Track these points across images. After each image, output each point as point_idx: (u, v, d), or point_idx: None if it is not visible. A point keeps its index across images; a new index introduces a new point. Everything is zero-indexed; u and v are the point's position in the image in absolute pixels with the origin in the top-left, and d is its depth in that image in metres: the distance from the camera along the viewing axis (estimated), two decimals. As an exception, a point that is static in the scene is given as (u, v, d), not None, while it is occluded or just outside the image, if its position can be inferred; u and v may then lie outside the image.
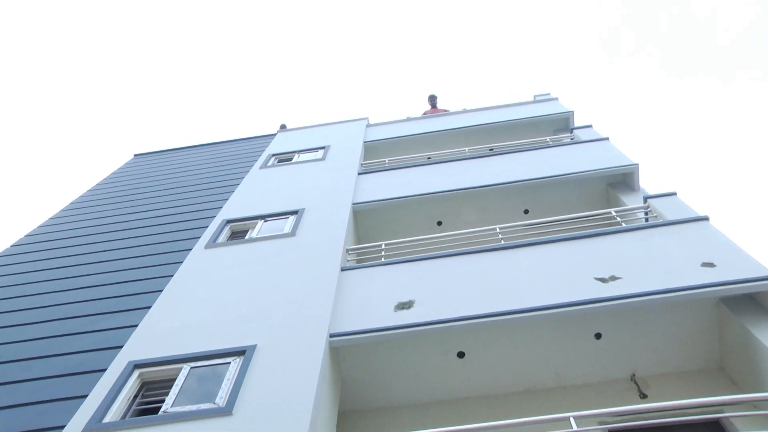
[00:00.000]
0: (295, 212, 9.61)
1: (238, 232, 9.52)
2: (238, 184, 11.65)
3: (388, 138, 13.75)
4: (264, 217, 9.67)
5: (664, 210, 8.08)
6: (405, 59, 40.88)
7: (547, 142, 12.19)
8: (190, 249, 8.96)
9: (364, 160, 12.85)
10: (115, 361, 6.39)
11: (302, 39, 40.96)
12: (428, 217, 10.10)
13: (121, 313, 7.42)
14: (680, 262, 6.73)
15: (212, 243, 8.94)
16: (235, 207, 10.36)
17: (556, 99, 14.57)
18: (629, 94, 38.31)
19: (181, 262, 8.54)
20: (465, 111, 15.09)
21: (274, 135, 15.51)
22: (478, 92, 38.44)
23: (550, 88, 34.76)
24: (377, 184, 10.80)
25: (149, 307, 7.44)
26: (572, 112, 13.30)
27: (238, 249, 8.65)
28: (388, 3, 40.10)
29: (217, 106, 42.05)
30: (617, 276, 6.64)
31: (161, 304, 7.46)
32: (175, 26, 39.73)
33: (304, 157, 13.01)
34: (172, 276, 8.18)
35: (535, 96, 15.12)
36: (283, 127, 16.35)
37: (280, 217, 9.58)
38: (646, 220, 8.31)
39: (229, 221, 9.72)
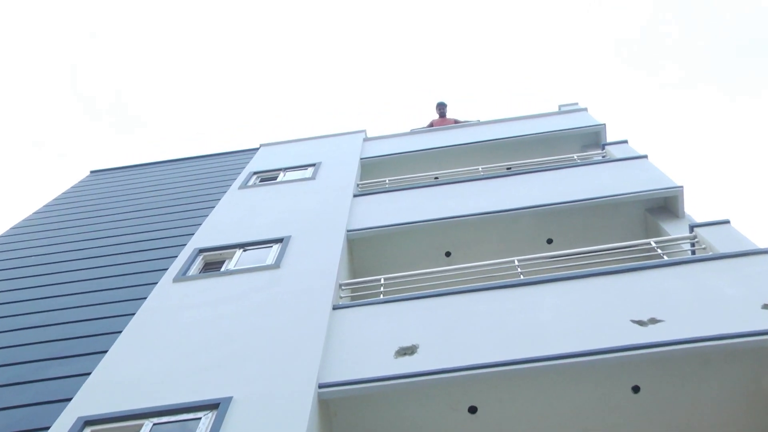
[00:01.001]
0: (279, 240, 9.62)
1: (212, 264, 9.54)
2: (213, 207, 11.69)
3: (389, 154, 13.80)
4: (243, 246, 9.69)
5: (715, 241, 8.05)
6: (408, 61, 41.55)
7: (575, 160, 12.24)
8: (156, 282, 8.92)
9: (361, 180, 12.88)
10: (61, 416, 6.25)
11: (288, 37, 41.79)
12: (435, 248, 10.11)
13: (71, 359, 7.29)
14: (736, 303, 6.66)
15: (182, 276, 8.95)
16: (209, 234, 10.38)
17: (585, 110, 14.68)
18: (667, 107, 38.76)
19: (145, 298, 8.50)
20: (479, 123, 15.18)
21: (255, 150, 15.63)
22: (493, 101, 38.95)
23: (576, 97, 35.30)
24: (376, 208, 10.80)
25: (105, 352, 7.33)
26: (604, 125, 13.40)
27: (212, 283, 8.66)
28: (390, 6, 41.00)
29: (191, 118, 42.63)
30: (658, 318, 6.57)
31: (119, 348, 7.37)
32: (160, 30, 40.65)
33: (290, 175, 13.09)
34: (133, 314, 8.11)
35: (560, 106, 15.24)
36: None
37: (262, 246, 9.59)
38: (693, 252, 8.32)
39: (201, 250, 9.75)
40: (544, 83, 39.35)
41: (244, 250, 9.55)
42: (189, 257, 9.49)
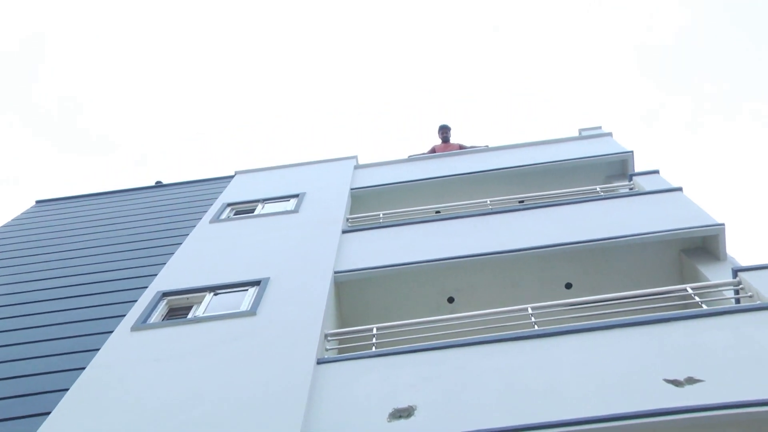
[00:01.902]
0: (256, 282, 9.60)
1: (178, 309, 9.49)
2: (180, 244, 11.69)
3: (384, 184, 13.77)
4: (214, 289, 9.67)
5: (763, 288, 7.98)
6: (406, 61, 42.32)
7: (598, 192, 12.23)
8: (111, 331, 8.84)
9: (351, 214, 12.86)
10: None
11: (265, 41, 42.97)
12: (436, 293, 10.10)
13: (7, 422, 7.14)
14: (788, 361, 6.72)
15: (142, 323, 8.89)
16: (174, 275, 10.37)
17: (610, 135, 14.67)
18: (701, 130, 39.16)
19: (97, 350, 8.40)
20: (487, 149, 15.16)
21: (229, 178, 15.66)
22: (492, 101, 40.20)
23: (598, 121, 35.37)
24: (368, 246, 10.81)
25: (48, 414, 7.17)
26: (631, 152, 13.35)
27: (177, 332, 8.60)
28: (390, 6, 41.78)
29: (155, 138, 43.31)
30: (697, 378, 6.48)
31: (65, 410, 7.21)
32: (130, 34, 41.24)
33: (270, 208, 13.10)
34: (83, 369, 7.98)
35: (580, 130, 15.26)
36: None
37: (236, 289, 9.58)
38: (738, 301, 8.27)
39: (166, 294, 9.72)
40: (545, 84, 40.71)
41: (215, 294, 9.53)
42: (151, 302, 9.41)
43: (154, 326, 8.82)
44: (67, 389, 7.59)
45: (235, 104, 43.06)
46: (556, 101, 40.23)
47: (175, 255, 11.22)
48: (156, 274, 10.50)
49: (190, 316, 9.14)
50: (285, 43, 41.14)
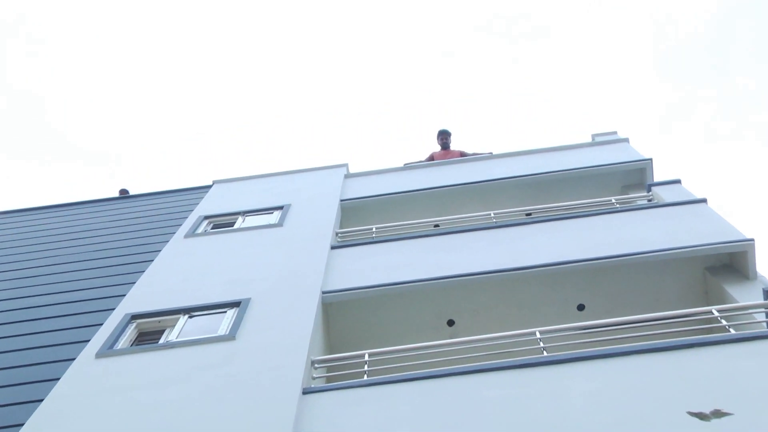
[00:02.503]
0: (236, 304, 9.54)
1: (148, 333, 9.44)
2: (151, 261, 11.62)
3: (377, 195, 13.76)
4: (189, 311, 9.61)
5: (799, 311, 8.13)
6: (406, 78, 42.64)
7: (613, 204, 12.21)
8: (73, 358, 8.75)
9: (341, 228, 12.86)
10: None
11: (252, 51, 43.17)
12: (435, 315, 10.09)
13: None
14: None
15: (108, 349, 8.82)
16: (145, 295, 10.30)
17: (626, 140, 14.65)
18: (723, 142, 39.13)
19: (58, 379, 8.30)
20: (491, 156, 15.14)
21: (207, 188, 15.60)
22: (492, 101, 40.45)
23: (611, 125, 36.24)
24: (359, 263, 10.79)
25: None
26: (650, 160, 13.38)
27: (148, 359, 8.55)
28: (388, 5, 42.09)
29: (125, 141, 43.37)
30: (725, 411, 5.85)
31: (23, 445, 7.28)
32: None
33: (251, 221, 13.05)
34: (41, 401, 7.88)
35: (594, 136, 15.22)
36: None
37: (213, 311, 9.53)
38: (770, 324, 8.45)
39: (135, 316, 9.64)
40: (551, 84, 40.86)
41: (190, 317, 9.48)
42: (118, 325, 9.33)
43: (121, 352, 8.72)
44: (22, 424, 7.46)
45: (224, 106, 43.80)
46: (564, 103, 40.58)
47: (145, 273, 11.16)
48: (124, 295, 10.41)
49: (161, 341, 9.05)
50: (279, 42, 41.87)
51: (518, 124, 40.17)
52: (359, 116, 43.66)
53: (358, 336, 9.94)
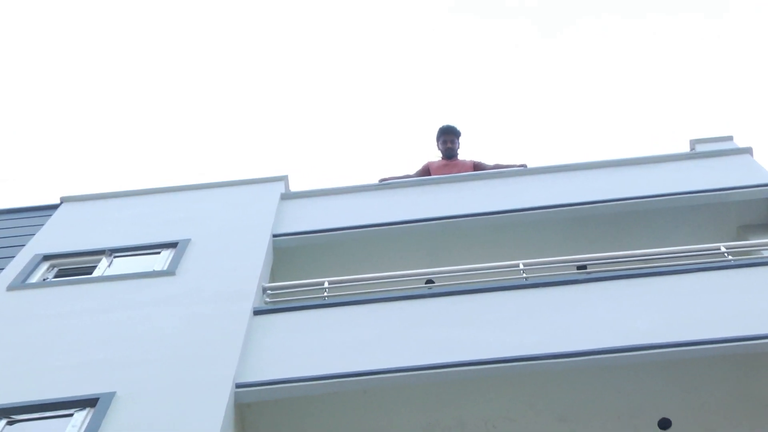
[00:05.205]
0: (90, 402, 8.83)
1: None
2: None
3: (333, 230, 12.73)
4: (8, 414, 8.91)
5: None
6: (401, 57, 42.00)
7: (724, 255, 11.15)
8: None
9: (271, 281, 11.76)
10: None
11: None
12: (421, 427, 9.46)
13: None
14: None
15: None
16: None
17: (748, 151, 13.67)
18: None
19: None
20: (523, 171, 14.10)
21: (52, 208, 14.50)
22: (492, 100, 40.02)
23: (724, 127, 34.75)
24: (302, 340, 9.99)
25: None
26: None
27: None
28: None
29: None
30: None
31: None
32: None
33: (123, 265, 12.04)
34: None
35: (693, 143, 14.10)
36: None
37: (55, 414, 8.91)
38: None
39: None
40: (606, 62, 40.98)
41: (10, 422, 9.02)
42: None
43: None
44: None
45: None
46: (642, 90, 38.48)
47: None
48: None
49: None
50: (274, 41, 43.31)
51: (567, 120, 39.09)
52: (268, 173, 45.61)
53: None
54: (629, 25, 39.26)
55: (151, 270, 11.64)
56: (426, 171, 14.81)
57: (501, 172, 14.28)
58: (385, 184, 14.24)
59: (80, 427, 8.58)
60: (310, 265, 12.50)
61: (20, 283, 11.85)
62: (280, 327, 10.25)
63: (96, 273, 11.99)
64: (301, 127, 41.48)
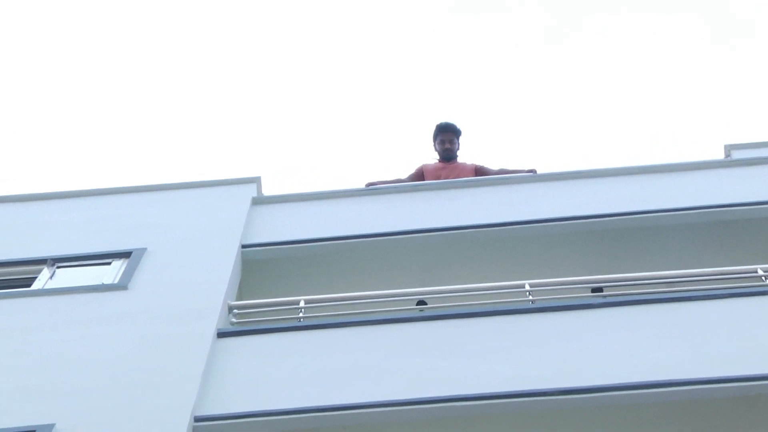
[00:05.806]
0: None
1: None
2: None
3: (311, 240, 12.52)
4: None
5: None
6: (399, 54, 42.86)
7: (762, 280, 10.93)
8: None
9: (239, 299, 11.60)
10: None
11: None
12: None
13: None
14: None
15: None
16: None
17: None
18: None
19: None
20: (531, 177, 13.88)
21: None
22: (492, 100, 40.10)
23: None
24: (271, 369, 9.90)
25: None
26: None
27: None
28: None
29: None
30: None
31: None
32: None
33: (67, 277, 11.89)
34: None
35: (728, 149, 13.77)
36: None
37: None
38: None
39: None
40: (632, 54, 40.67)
41: None
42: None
43: None
44: None
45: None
46: (671, 89, 39.02)
47: None
48: None
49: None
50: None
51: (582, 121, 39.53)
52: (239, 174, 46.06)
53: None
54: (652, 20, 38.56)
55: (99, 283, 11.51)
56: (420, 175, 14.50)
57: (506, 178, 14.05)
58: (373, 190, 14.02)
59: None
60: (283, 282, 12.42)
61: (-57, 297, 11.30)
62: (248, 352, 10.22)
63: (35, 286, 11.89)
64: (276, 123, 40.28)
